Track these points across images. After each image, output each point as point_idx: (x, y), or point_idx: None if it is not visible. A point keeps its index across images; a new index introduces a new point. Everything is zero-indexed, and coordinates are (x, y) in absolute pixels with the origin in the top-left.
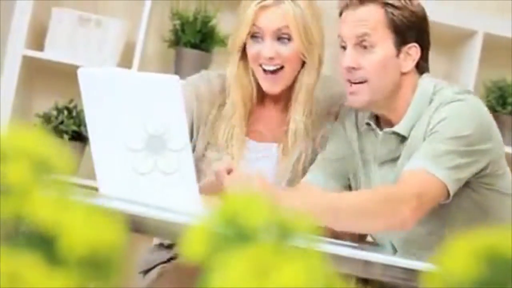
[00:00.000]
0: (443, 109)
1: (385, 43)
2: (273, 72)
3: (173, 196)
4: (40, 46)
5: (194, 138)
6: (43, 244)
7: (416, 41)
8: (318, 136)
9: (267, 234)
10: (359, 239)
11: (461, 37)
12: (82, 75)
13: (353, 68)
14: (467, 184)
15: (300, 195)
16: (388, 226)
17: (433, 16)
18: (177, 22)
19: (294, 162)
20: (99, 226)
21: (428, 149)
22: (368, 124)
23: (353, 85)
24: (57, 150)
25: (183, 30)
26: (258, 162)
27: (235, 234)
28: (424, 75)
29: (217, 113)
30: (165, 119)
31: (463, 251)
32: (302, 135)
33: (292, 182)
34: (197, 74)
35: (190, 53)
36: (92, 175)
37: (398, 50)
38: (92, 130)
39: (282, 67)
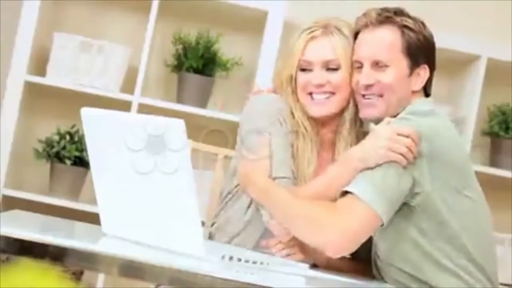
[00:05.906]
0: None
1: (399, 64)
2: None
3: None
4: (42, 72)
5: None
6: None
7: (426, 64)
8: None
9: None
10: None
11: (465, 62)
12: (85, 114)
13: (371, 85)
14: None
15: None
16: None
17: (437, 41)
18: (180, 47)
19: None
20: None
21: None
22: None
23: (368, 99)
24: None
25: (185, 55)
26: None
27: None
28: (423, 98)
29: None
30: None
31: None
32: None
33: None
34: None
35: (193, 78)
36: (93, 201)
37: (411, 71)
38: (94, 163)
39: (332, 94)
